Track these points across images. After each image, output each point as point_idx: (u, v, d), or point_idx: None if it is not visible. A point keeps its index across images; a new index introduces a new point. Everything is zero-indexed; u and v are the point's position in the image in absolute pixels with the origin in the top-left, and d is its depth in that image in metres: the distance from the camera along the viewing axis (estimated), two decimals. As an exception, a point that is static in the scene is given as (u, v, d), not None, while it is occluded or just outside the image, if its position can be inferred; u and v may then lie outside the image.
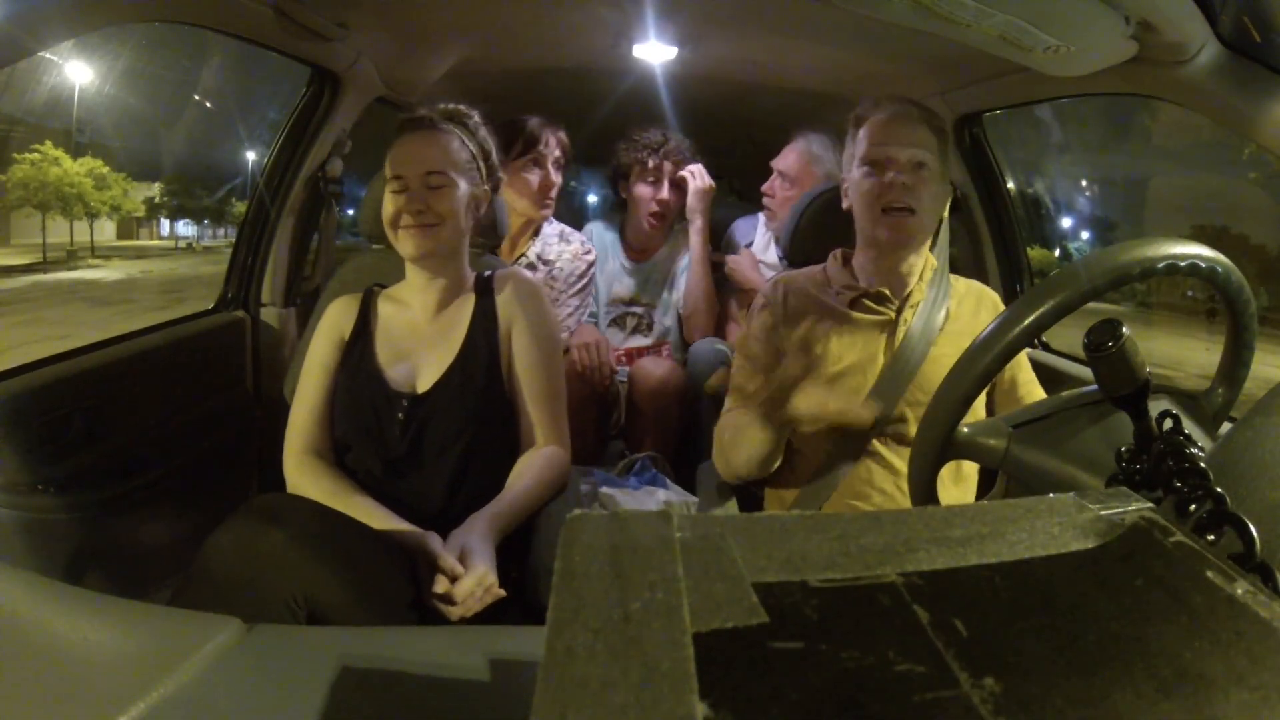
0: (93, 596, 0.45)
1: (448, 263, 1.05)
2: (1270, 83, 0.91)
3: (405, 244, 1.02)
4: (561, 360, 1.09)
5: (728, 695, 0.20)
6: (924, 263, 1.08)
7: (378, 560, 0.82)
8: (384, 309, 1.08)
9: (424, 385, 1.01)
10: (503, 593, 0.82)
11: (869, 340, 1.05)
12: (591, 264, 1.77)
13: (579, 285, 1.74)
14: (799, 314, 1.07)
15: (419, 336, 1.05)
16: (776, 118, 1.84)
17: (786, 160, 1.76)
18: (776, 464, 1.04)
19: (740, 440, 1.00)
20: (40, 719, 0.36)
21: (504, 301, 1.07)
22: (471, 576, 0.80)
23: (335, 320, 1.07)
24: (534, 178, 1.68)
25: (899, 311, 1.05)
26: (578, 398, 1.59)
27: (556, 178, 1.72)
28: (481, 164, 1.07)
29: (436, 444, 0.98)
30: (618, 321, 1.89)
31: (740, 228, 1.94)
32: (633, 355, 1.80)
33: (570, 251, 1.74)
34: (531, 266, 1.70)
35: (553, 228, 1.76)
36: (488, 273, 1.11)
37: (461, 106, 1.09)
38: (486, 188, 1.08)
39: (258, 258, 1.54)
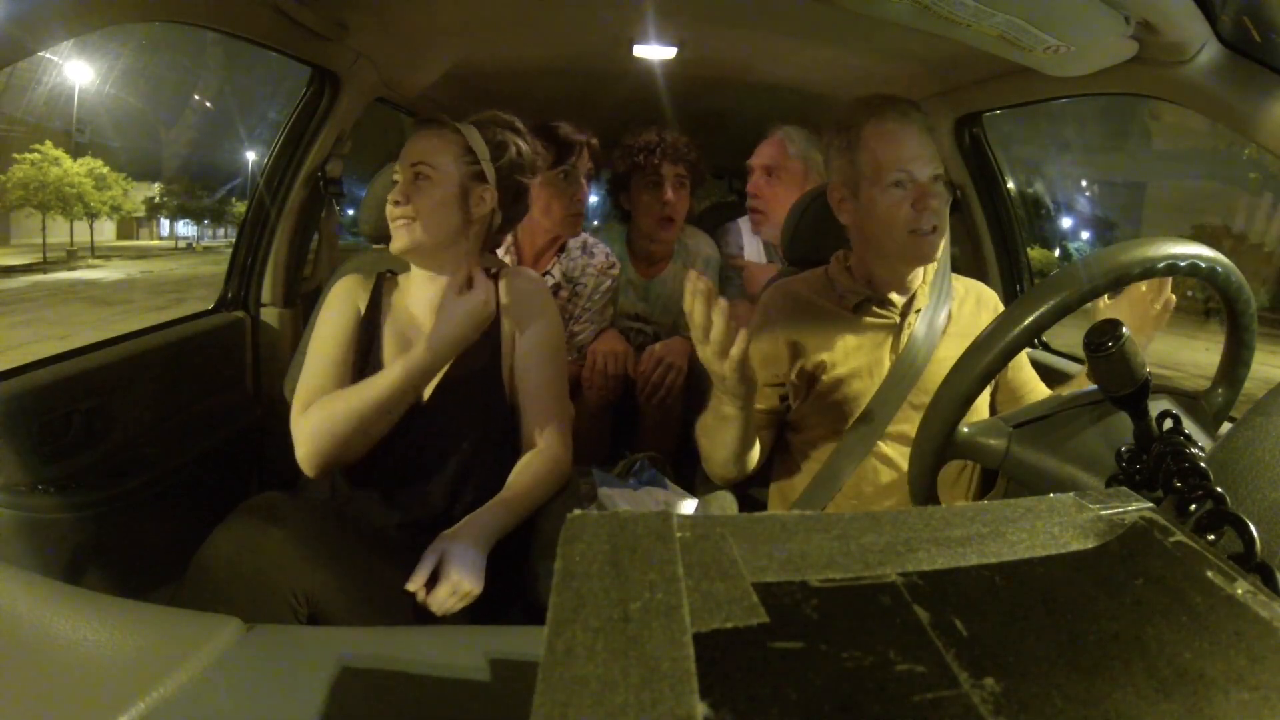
0: (93, 596, 0.45)
1: (441, 259, 1.03)
2: (1270, 83, 0.91)
3: (392, 239, 1.02)
4: (565, 360, 1.09)
5: (728, 695, 0.20)
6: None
7: (378, 557, 0.82)
8: (394, 303, 1.07)
9: (426, 391, 1.00)
10: (476, 592, 0.82)
11: (873, 344, 1.05)
12: (615, 279, 1.67)
13: (602, 303, 1.64)
14: (801, 320, 1.07)
15: (423, 336, 1.04)
16: (777, 117, 1.84)
17: (770, 154, 1.72)
18: (754, 460, 1.01)
19: (713, 434, 0.97)
20: (40, 719, 0.36)
21: (509, 306, 1.06)
22: (445, 585, 0.80)
23: (349, 293, 1.06)
24: (565, 193, 1.55)
25: (903, 315, 1.05)
26: (596, 404, 1.57)
27: (587, 191, 1.62)
28: (487, 164, 1.03)
29: (439, 449, 0.98)
30: (623, 335, 1.78)
31: (723, 238, 1.89)
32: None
33: (595, 266, 1.63)
34: (556, 287, 1.59)
35: (576, 239, 1.65)
36: (493, 270, 1.10)
37: (499, 112, 1.07)
38: (490, 187, 1.04)
39: (258, 258, 1.54)
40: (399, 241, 1.01)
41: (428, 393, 1.00)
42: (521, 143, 1.07)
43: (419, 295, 1.06)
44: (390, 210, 1.01)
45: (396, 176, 1.02)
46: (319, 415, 0.93)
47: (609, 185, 1.81)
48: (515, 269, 1.12)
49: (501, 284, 1.07)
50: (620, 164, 1.72)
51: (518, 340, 1.05)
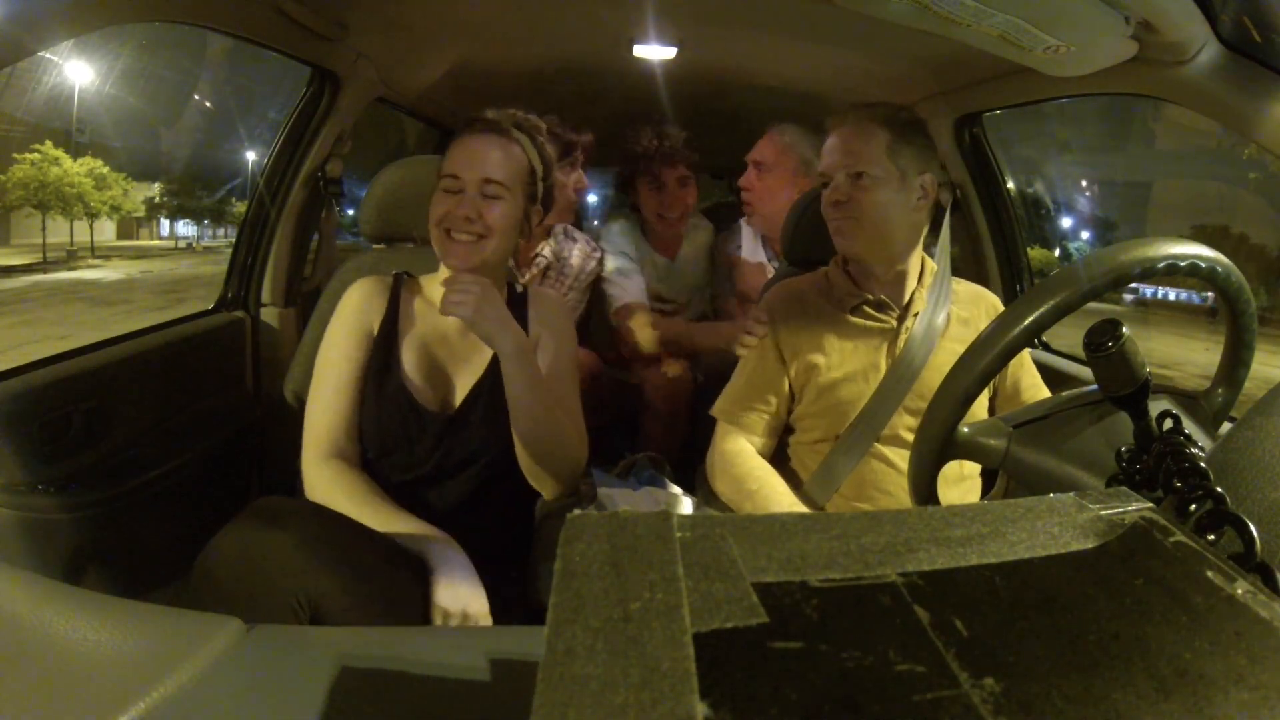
0: (93, 596, 0.45)
1: (489, 276, 0.99)
2: (1270, 83, 0.91)
3: (450, 253, 0.97)
4: (578, 372, 1.09)
5: (728, 695, 0.20)
6: (921, 266, 1.08)
7: (382, 563, 0.82)
8: (415, 307, 1.03)
9: (454, 403, 0.99)
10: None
11: (870, 347, 1.05)
12: (599, 261, 1.80)
13: (586, 282, 1.78)
14: (800, 321, 1.07)
15: (449, 347, 1.02)
16: (776, 117, 1.84)
17: (762, 150, 1.74)
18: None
19: (758, 499, 1.03)
20: (40, 719, 0.36)
21: (535, 319, 1.05)
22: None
23: (361, 307, 1.01)
24: (562, 187, 1.65)
25: (900, 319, 1.05)
26: (593, 403, 1.60)
27: (585, 186, 1.76)
28: (541, 181, 1.02)
29: (463, 459, 0.97)
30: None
31: (726, 237, 1.92)
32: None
33: (579, 250, 1.77)
34: (547, 266, 1.72)
35: (559, 226, 1.78)
36: (520, 288, 1.09)
37: (532, 116, 1.05)
38: (540, 206, 1.03)
39: (258, 258, 1.54)
40: (461, 258, 0.96)
41: (458, 401, 0.99)
42: (550, 148, 1.06)
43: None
44: (454, 221, 0.95)
45: (452, 183, 0.97)
46: (336, 496, 0.90)
47: (617, 184, 1.92)
48: (541, 291, 1.12)
49: (530, 304, 1.07)
50: (626, 169, 1.84)
51: (539, 352, 1.03)
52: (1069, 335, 0.97)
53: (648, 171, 1.79)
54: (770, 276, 1.72)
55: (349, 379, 0.98)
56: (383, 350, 0.99)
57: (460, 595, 0.82)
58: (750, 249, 1.86)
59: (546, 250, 1.72)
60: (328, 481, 0.92)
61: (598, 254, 1.81)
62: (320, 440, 0.95)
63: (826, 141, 1.06)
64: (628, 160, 1.82)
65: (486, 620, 0.83)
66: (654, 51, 1.66)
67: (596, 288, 1.84)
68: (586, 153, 1.73)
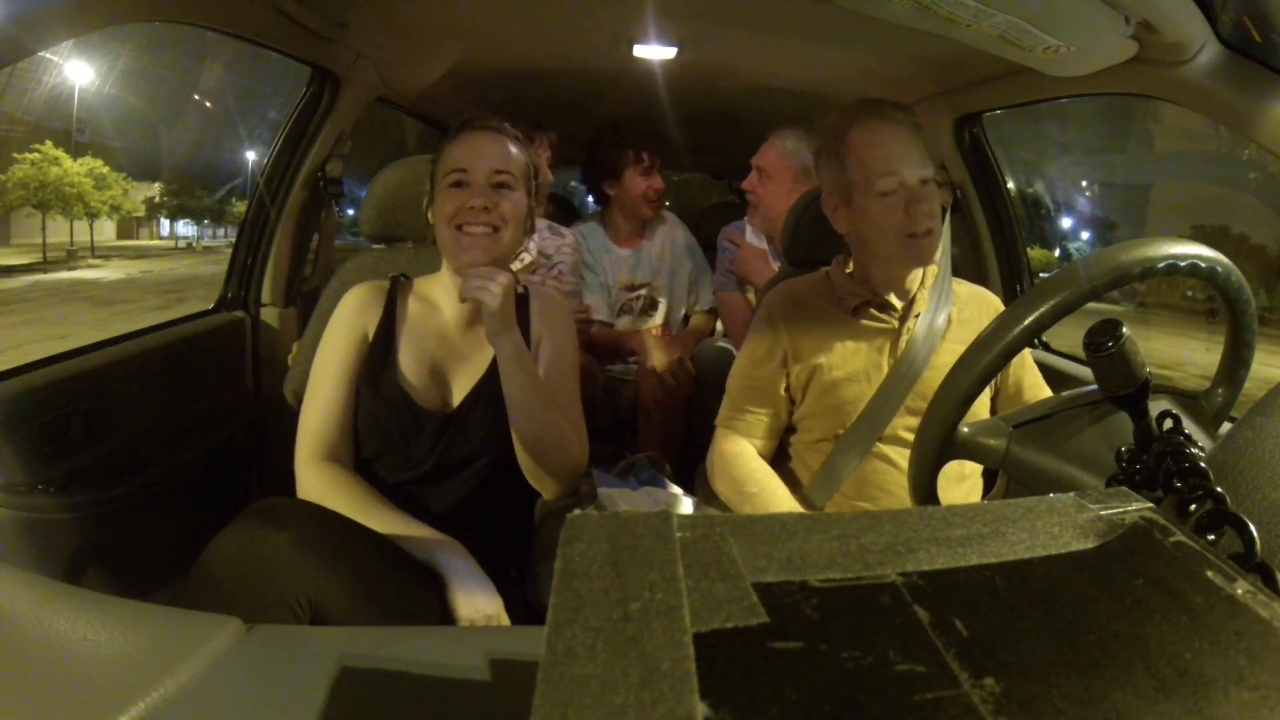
0: (93, 596, 0.45)
1: None
2: (1270, 83, 0.91)
3: (466, 248, 0.95)
4: (579, 373, 1.09)
5: (728, 695, 0.20)
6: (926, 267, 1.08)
7: (382, 563, 0.82)
8: (412, 307, 1.03)
9: (452, 403, 0.99)
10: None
11: (872, 348, 1.05)
12: (578, 251, 1.92)
13: (575, 275, 1.89)
14: (802, 322, 1.07)
15: (449, 347, 1.01)
16: (777, 118, 1.84)
17: (765, 156, 1.77)
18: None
19: (758, 501, 1.03)
20: (40, 719, 0.36)
21: (537, 319, 1.05)
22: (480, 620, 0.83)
23: (356, 312, 1.00)
24: None
25: (902, 320, 1.05)
26: (591, 403, 1.61)
27: (548, 177, 1.82)
28: (534, 180, 1.03)
29: (463, 459, 0.97)
30: (626, 307, 1.96)
31: (727, 234, 1.94)
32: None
33: (567, 245, 1.87)
34: (534, 264, 1.78)
35: (542, 222, 1.84)
36: (521, 289, 1.08)
37: (506, 124, 1.06)
38: (534, 204, 1.04)
39: (258, 258, 1.54)
40: (475, 254, 0.94)
41: (456, 400, 0.99)
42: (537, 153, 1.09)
43: (450, 306, 1.02)
44: (467, 215, 0.94)
45: (461, 176, 0.96)
46: (329, 498, 0.89)
47: (594, 174, 1.99)
48: (541, 290, 1.12)
49: (531, 304, 1.07)
50: (612, 157, 1.92)
51: (540, 351, 1.03)
52: (1069, 335, 0.97)
53: (644, 154, 1.89)
54: (774, 268, 1.73)
55: (343, 383, 0.97)
56: (380, 351, 0.99)
57: (479, 603, 0.83)
58: (753, 240, 1.87)
59: (531, 247, 1.77)
60: (321, 484, 0.92)
61: (577, 244, 1.91)
62: (313, 443, 0.95)
63: (878, 145, 0.98)
64: (612, 149, 1.90)
65: (504, 620, 0.83)
66: (654, 51, 1.66)
67: None
68: (553, 148, 1.82)
